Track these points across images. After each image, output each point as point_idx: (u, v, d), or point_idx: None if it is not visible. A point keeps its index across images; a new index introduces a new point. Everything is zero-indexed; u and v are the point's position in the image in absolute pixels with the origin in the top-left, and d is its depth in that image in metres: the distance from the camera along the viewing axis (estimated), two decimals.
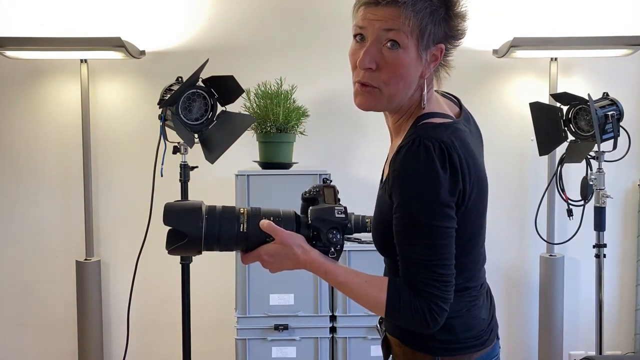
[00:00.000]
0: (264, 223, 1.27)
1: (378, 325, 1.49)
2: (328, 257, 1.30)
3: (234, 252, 2.41)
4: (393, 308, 1.26)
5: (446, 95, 1.47)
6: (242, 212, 1.28)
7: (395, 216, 1.27)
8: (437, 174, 1.22)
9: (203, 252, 1.28)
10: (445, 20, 1.29)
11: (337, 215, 1.28)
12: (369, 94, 1.31)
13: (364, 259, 2.75)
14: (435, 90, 1.41)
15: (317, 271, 1.30)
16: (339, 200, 1.33)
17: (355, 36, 1.31)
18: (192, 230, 1.23)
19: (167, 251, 1.27)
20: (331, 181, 1.37)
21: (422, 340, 1.34)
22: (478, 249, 1.40)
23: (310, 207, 1.31)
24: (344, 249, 1.32)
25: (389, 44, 1.27)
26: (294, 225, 1.29)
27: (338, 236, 1.28)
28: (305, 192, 1.36)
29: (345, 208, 1.29)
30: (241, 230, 1.26)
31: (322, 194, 1.32)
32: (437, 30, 1.28)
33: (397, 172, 1.25)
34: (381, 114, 1.42)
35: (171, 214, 1.25)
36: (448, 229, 1.25)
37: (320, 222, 1.27)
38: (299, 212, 1.35)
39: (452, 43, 1.33)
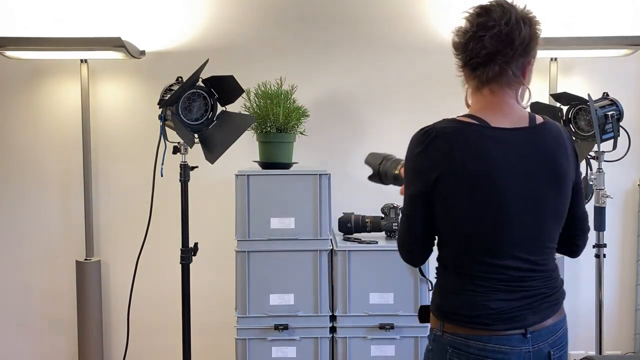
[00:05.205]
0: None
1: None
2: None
3: (234, 252, 2.79)
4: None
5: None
6: (400, 162, 2.03)
7: None
8: (413, 153, 1.50)
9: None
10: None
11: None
12: None
13: (364, 259, 2.75)
14: None
15: None
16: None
17: None
18: (374, 167, 2.11)
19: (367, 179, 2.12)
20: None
21: (435, 307, 1.56)
22: (486, 248, 1.46)
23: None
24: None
25: None
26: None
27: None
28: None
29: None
30: (395, 172, 2.03)
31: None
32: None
33: None
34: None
35: (367, 157, 2.16)
36: (412, 198, 1.52)
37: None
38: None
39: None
